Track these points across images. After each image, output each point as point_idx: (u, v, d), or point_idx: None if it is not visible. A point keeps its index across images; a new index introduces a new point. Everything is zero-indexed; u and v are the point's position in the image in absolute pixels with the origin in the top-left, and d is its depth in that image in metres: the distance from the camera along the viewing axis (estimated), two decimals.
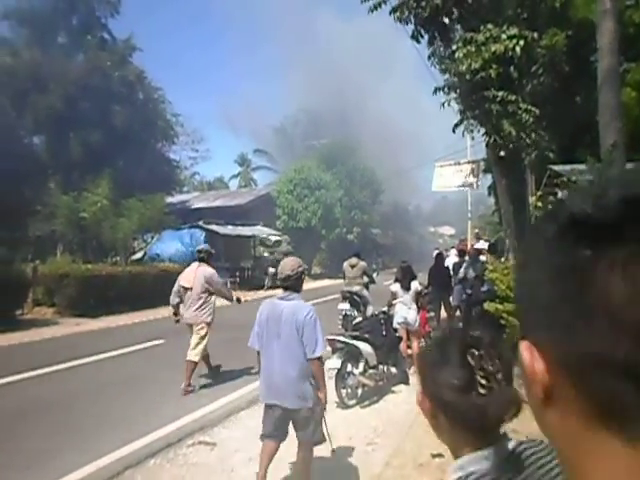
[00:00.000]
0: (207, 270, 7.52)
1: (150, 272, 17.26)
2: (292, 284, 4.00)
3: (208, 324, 7.45)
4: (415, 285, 8.48)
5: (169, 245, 22.09)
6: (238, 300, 8.45)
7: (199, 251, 7.85)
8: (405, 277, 8.49)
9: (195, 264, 7.68)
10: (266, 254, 25.83)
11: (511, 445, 1.10)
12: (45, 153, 27.04)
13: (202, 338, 7.40)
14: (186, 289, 7.44)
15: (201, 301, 7.39)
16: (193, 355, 7.30)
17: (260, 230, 26.83)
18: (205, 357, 7.65)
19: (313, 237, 31.47)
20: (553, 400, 0.48)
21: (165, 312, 15.37)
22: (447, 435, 1.13)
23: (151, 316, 14.53)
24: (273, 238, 24.64)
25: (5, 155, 21.59)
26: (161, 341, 10.63)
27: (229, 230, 24.03)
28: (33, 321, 13.23)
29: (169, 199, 26.05)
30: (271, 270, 22.88)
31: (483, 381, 1.07)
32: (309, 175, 31.20)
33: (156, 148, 29.62)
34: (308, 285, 25.29)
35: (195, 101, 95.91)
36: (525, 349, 0.51)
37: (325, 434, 4.17)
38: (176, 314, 7.73)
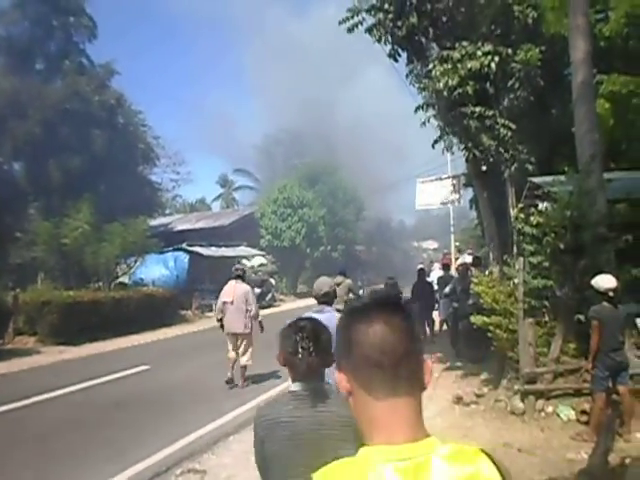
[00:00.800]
0: (244, 286, 8.78)
1: (134, 297, 17.04)
2: (328, 299, 4.49)
3: (251, 331, 8.61)
4: None
5: (153, 269, 21.88)
6: (261, 324, 8.88)
7: (236, 269, 9.31)
8: None
9: (232, 282, 8.81)
10: (252, 275, 25.64)
11: (319, 386, 2.14)
12: (24, 179, 26.75)
13: (249, 344, 8.62)
14: (226, 303, 8.57)
15: (242, 312, 8.52)
16: (245, 360, 8.58)
17: (244, 250, 26.70)
18: (235, 363, 8.68)
19: (298, 256, 31.42)
20: (352, 394, 1.01)
21: (149, 337, 15.20)
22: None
23: (136, 342, 14.31)
24: (256, 262, 24.54)
25: None
26: (146, 367, 10.45)
27: (213, 251, 23.88)
28: (14, 351, 12.91)
29: (151, 222, 25.85)
30: (256, 291, 22.71)
31: (301, 350, 2.08)
32: (292, 194, 31.25)
33: (137, 171, 29.48)
34: (295, 304, 25.18)
35: (175, 124, 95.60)
36: (338, 374, 1.04)
37: None
38: (222, 326, 8.74)
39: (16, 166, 27.97)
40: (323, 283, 4.60)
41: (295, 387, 2.14)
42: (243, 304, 8.51)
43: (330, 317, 4.18)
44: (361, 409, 0.99)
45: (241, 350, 8.60)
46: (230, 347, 8.71)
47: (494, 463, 0.98)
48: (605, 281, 5.71)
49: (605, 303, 5.67)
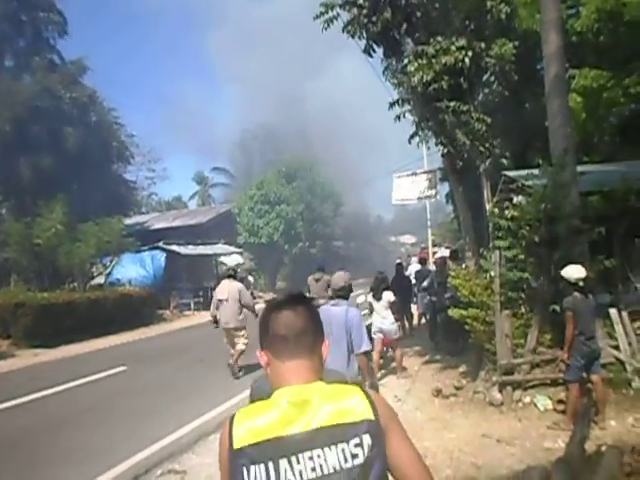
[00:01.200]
0: (237, 284, 9.48)
1: (110, 297, 16.80)
2: (344, 293, 4.73)
3: (244, 326, 9.21)
4: (387, 295, 8.59)
5: (129, 269, 21.57)
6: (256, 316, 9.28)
7: (228, 269, 10.74)
8: (378, 287, 8.65)
9: (226, 281, 9.57)
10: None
11: None
12: None
13: (244, 337, 9.13)
14: (221, 301, 9.18)
15: (236, 308, 9.15)
16: (240, 346, 9.10)
17: (222, 248, 26.52)
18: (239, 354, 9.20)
19: (276, 252, 31.33)
20: (269, 364, 1.43)
21: (127, 337, 15.01)
22: None
23: (113, 342, 14.12)
24: (233, 262, 24.40)
25: None
26: (123, 368, 10.31)
27: (190, 250, 23.66)
28: None
29: (127, 221, 25.47)
30: None
31: None
32: (269, 190, 31.10)
33: (111, 169, 29.02)
34: None
35: (147, 119, 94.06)
36: (259, 352, 1.46)
37: None
38: (216, 322, 9.47)
39: None
40: (340, 278, 4.85)
41: None
42: (237, 301, 9.15)
43: (347, 310, 4.65)
44: (274, 372, 1.42)
45: (236, 342, 9.22)
46: (225, 340, 9.45)
47: (367, 398, 1.33)
48: (575, 271, 5.79)
49: (576, 293, 5.76)
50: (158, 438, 6.18)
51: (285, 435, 1.26)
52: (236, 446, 1.28)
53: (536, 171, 7.65)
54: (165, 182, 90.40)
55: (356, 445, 1.26)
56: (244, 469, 1.25)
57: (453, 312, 7.82)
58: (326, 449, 1.26)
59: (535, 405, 6.41)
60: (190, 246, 24.13)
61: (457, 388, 7.49)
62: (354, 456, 1.25)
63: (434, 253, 20.04)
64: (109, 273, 20.49)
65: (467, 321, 7.55)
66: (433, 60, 8.72)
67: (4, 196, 25.35)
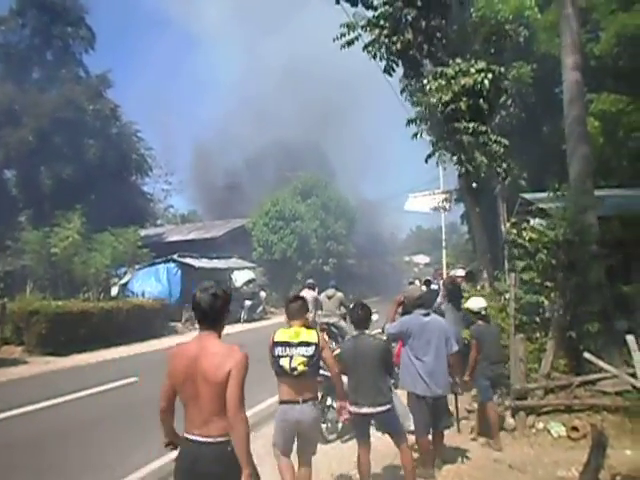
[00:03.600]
0: (314, 294, 11.24)
1: (123, 307, 16.86)
2: (422, 302, 5.41)
3: None
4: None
5: (145, 282, 21.69)
6: None
7: (308, 280, 12.80)
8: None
9: (305, 290, 11.10)
10: (243, 287, 25.46)
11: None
12: (16, 187, 26.65)
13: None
14: None
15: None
16: None
17: (235, 263, 26.61)
18: None
19: (289, 269, 31.32)
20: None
21: (138, 349, 15.03)
22: None
23: (124, 353, 14.15)
24: (244, 278, 24.40)
25: None
26: (134, 379, 10.32)
27: (204, 263, 23.75)
28: (1, 360, 12.73)
29: (143, 232, 25.72)
30: (247, 303, 22.58)
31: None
32: (284, 207, 31.22)
33: (129, 181, 29.46)
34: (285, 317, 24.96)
35: (167, 134, 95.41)
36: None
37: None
38: None
39: (8, 174, 27.87)
40: (415, 290, 5.79)
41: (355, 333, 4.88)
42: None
43: (437, 318, 5.50)
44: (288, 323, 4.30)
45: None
46: None
47: (317, 334, 4.19)
48: (477, 302, 6.56)
49: (480, 322, 6.41)
50: (166, 451, 6.15)
51: (290, 340, 4.10)
52: (274, 340, 4.17)
53: (554, 194, 7.59)
54: (181, 195, 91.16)
55: (310, 348, 4.05)
56: (275, 347, 4.12)
57: (466, 334, 7.73)
58: (300, 347, 4.06)
59: (548, 431, 6.29)
60: (204, 259, 24.23)
61: (469, 411, 7.38)
62: (309, 352, 4.04)
63: (448, 274, 19.92)
64: (125, 284, 20.63)
65: None
66: (452, 81, 8.79)
67: (24, 204, 25.77)
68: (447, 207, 17.92)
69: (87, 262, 17.93)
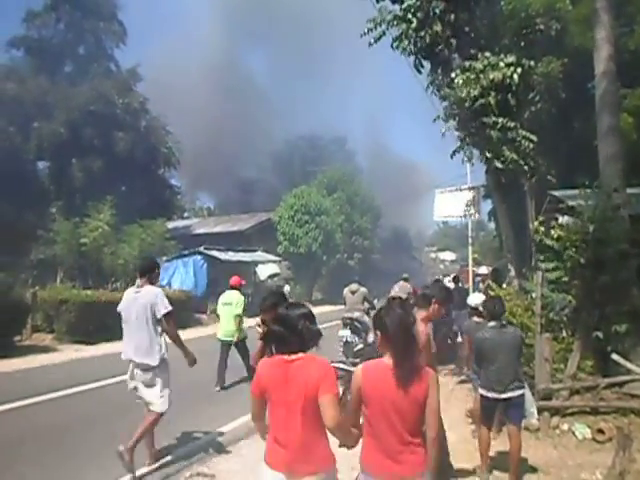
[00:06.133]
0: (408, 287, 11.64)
1: None
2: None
3: None
4: None
5: (171, 274, 22.00)
6: None
7: (404, 275, 12.99)
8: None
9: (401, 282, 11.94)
10: (268, 281, 25.62)
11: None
12: (48, 178, 27.28)
13: None
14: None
15: None
16: None
17: (260, 256, 26.77)
18: None
19: (314, 263, 31.40)
20: None
21: (165, 338, 15.23)
22: None
23: None
24: (269, 272, 24.48)
25: (9, 180, 21.74)
26: None
27: (230, 256, 23.96)
28: (32, 347, 13.09)
29: (170, 225, 26.08)
30: None
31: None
32: (309, 201, 31.27)
33: (158, 174, 29.84)
34: None
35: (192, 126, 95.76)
36: None
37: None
38: None
39: (40, 165, 28.55)
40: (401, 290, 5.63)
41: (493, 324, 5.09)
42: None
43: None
44: None
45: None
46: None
47: None
48: (474, 298, 6.76)
49: (475, 318, 6.49)
50: (189, 440, 6.25)
51: None
52: None
53: (584, 191, 7.43)
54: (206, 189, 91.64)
55: None
56: None
57: None
58: None
59: (573, 433, 6.19)
60: (230, 252, 24.45)
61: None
62: None
63: (474, 272, 19.68)
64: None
65: None
66: (481, 75, 8.65)
67: (55, 195, 26.37)
68: (475, 214, 17.74)
69: (116, 253, 18.27)
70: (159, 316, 5.31)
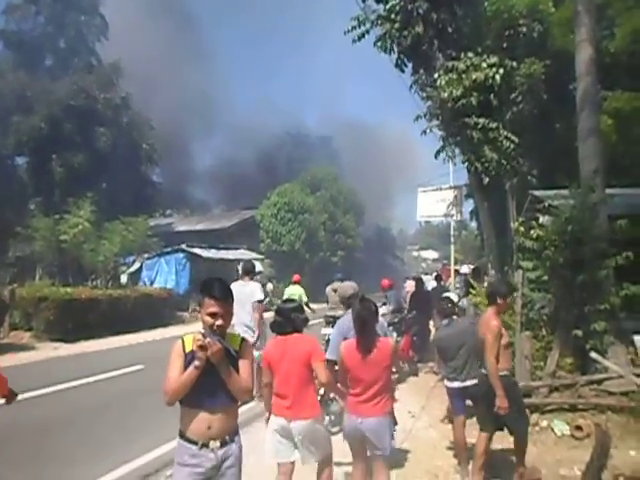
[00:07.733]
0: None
1: (131, 296, 17.00)
2: (352, 302, 4.87)
3: None
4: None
5: (153, 271, 21.85)
6: None
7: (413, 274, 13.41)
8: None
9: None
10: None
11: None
12: (27, 174, 26.83)
13: None
14: None
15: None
16: None
17: (243, 254, 26.66)
18: None
19: (297, 261, 31.37)
20: None
21: (146, 336, 15.14)
22: None
23: (132, 340, 14.27)
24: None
25: None
26: (141, 366, 10.41)
27: (212, 254, 23.84)
28: (9, 345, 12.87)
29: (152, 222, 25.83)
30: None
31: None
32: (292, 199, 31.23)
33: (140, 170, 29.52)
34: None
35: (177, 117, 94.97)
36: None
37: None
38: None
39: (19, 160, 28.11)
40: (347, 287, 5.35)
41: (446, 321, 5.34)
42: None
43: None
44: None
45: None
46: None
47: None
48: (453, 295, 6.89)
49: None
50: (170, 438, 6.19)
51: None
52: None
53: (564, 191, 7.53)
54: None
55: None
56: None
57: None
58: None
59: (552, 430, 6.27)
60: (212, 250, 24.32)
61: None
62: None
63: (456, 270, 19.83)
64: (133, 272, 20.76)
65: None
66: (463, 75, 8.72)
67: (34, 191, 25.94)
68: (456, 215, 17.91)
69: (96, 250, 18.04)
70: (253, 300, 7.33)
